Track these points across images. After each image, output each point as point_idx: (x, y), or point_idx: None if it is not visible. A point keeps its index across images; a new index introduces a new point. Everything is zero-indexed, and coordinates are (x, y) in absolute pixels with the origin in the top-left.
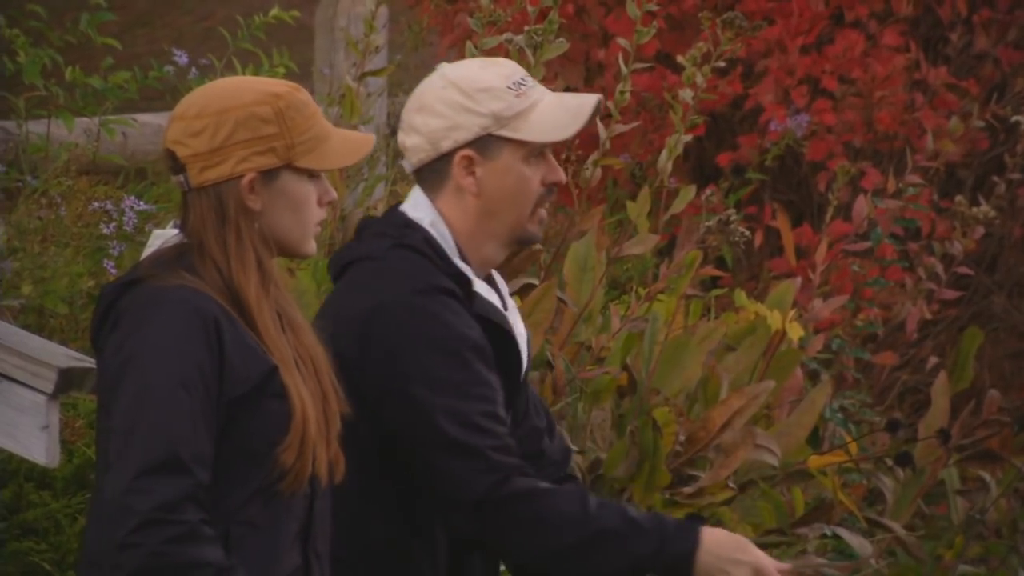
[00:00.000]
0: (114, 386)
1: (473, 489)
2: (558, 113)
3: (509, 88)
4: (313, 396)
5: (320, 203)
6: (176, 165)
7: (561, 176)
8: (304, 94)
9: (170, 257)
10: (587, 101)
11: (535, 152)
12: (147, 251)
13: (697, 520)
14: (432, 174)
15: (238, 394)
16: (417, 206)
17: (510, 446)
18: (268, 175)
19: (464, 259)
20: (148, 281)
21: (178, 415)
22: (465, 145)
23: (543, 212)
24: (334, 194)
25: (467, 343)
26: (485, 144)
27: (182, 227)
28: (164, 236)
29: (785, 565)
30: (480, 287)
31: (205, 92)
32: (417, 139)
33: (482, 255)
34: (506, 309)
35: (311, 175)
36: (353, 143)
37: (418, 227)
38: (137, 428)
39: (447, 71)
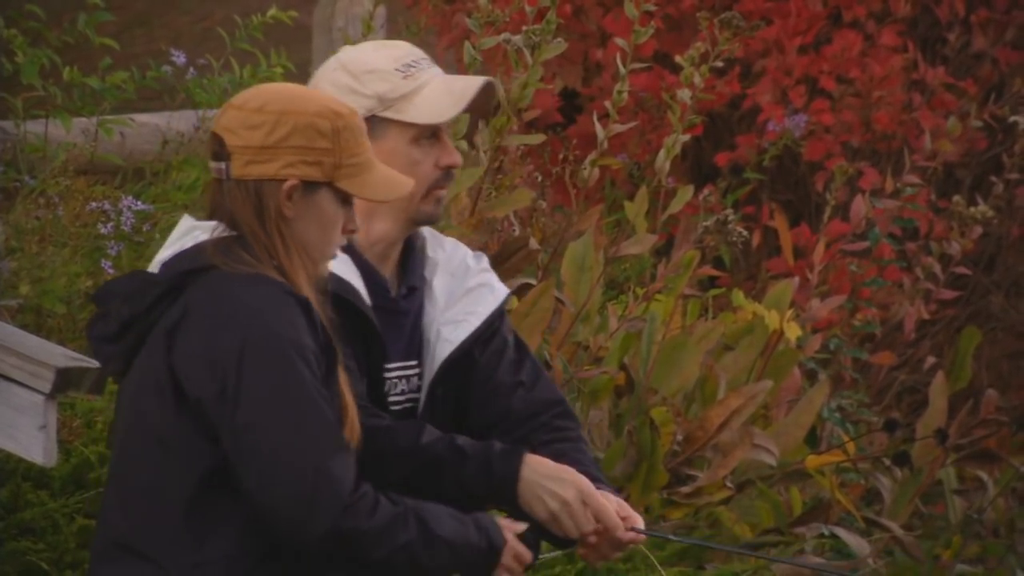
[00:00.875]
0: (238, 381)
1: None
2: (442, 95)
3: (397, 70)
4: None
5: (344, 230)
6: (221, 152)
7: (456, 159)
8: (359, 120)
9: (226, 245)
10: (473, 83)
11: (425, 134)
12: (178, 232)
13: (521, 447)
14: None
15: (323, 372)
16: None
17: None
18: (309, 187)
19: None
20: (220, 268)
21: (317, 398)
22: None
23: (441, 193)
24: (356, 225)
25: None
26: (371, 125)
27: (214, 215)
28: (203, 227)
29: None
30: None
31: (271, 89)
32: None
33: (374, 233)
34: (409, 289)
35: (345, 200)
36: (393, 182)
37: None
38: (289, 419)
39: (341, 54)
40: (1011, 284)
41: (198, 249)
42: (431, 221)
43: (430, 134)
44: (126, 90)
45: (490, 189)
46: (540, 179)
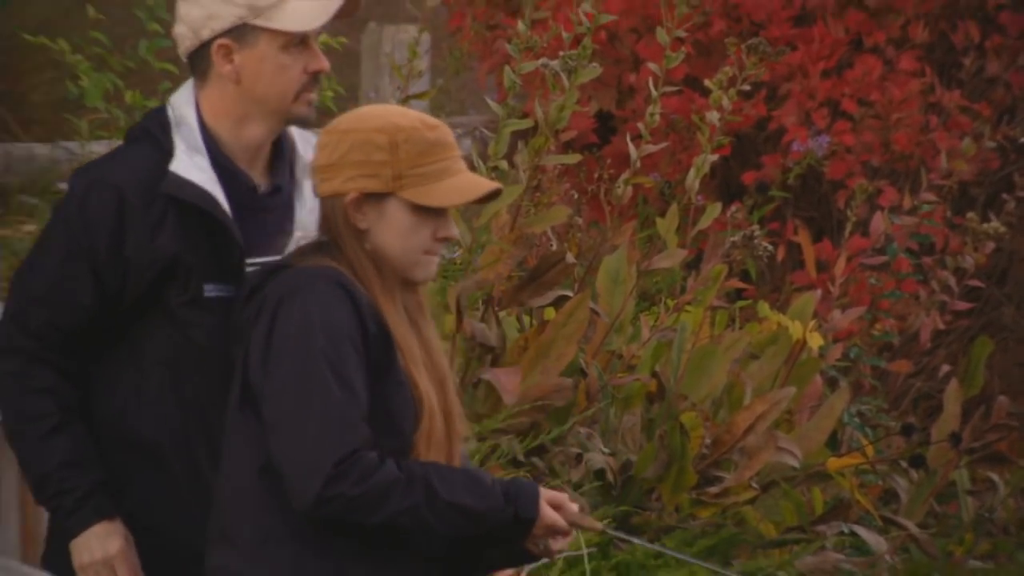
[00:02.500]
0: (273, 357)
1: None
2: (310, 4)
3: None
4: (440, 408)
5: (434, 236)
6: (312, 173)
7: (323, 64)
8: (435, 134)
9: (309, 248)
10: None
11: (294, 41)
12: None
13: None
14: (199, 61)
15: (375, 357)
16: (181, 91)
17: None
18: (376, 198)
19: (212, 139)
20: (294, 266)
21: (350, 378)
22: (223, 34)
23: (311, 96)
24: (452, 231)
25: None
26: (241, 33)
27: (319, 226)
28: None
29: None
30: (186, 165)
31: (348, 113)
32: (182, 28)
33: (245, 136)
34: (275, 188)
35: (417, 207)
36: (465, 188)
37: (160, 111)
38: (308, 397)
39: None
40: (1022, 297)
41: (289, 253)
42: (303, 122)
43: (299, 41)
44: None
45: (529, 206)
46: (576, 197)
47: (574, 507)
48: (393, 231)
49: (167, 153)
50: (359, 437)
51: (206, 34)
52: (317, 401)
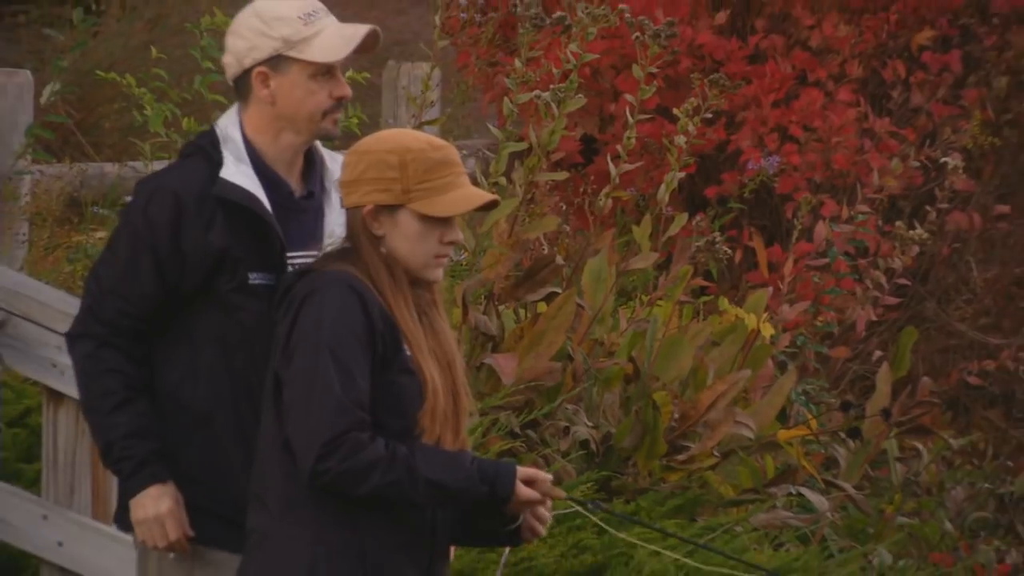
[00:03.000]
0: (293, 347)
1: None
2: (335, 39)
3: (299, 18)
4: (445, 388)
5: (440, 241)
6: (339, 188)
7: (345, 91)
8: (440, 154)
9: (334, 254)
10: (360, 31)
11: (321, 71)
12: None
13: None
14: (242, 86)
15: (382, 352)
16: (227, 114)
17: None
18: (389, 209)
19: (255, 151)
20: (318, 270)
21: (350, 369)
22: (262, 63)
23: (336, 116)
24: (456, 236)
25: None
26: (277, 62)
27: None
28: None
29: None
30: (233, 172)
31: (368, 136)
32: (229, 57)
33: (283, 146)
34: (309, 193)
35: (424, 217)
36: (464, 200)
37: (210, 131)
38: (313, 383)
39: (255, 3)
40: (942, 293)
41: (317, 257)
42: (329, 137)
43: (325, 71)
44: None
45: (524, 216)
46: (564, 208)
47: (548, 478)
48: (404, 237)
49: (217, 164)
50: (352, 420)
51: (248, 62)
52: (319, 389)
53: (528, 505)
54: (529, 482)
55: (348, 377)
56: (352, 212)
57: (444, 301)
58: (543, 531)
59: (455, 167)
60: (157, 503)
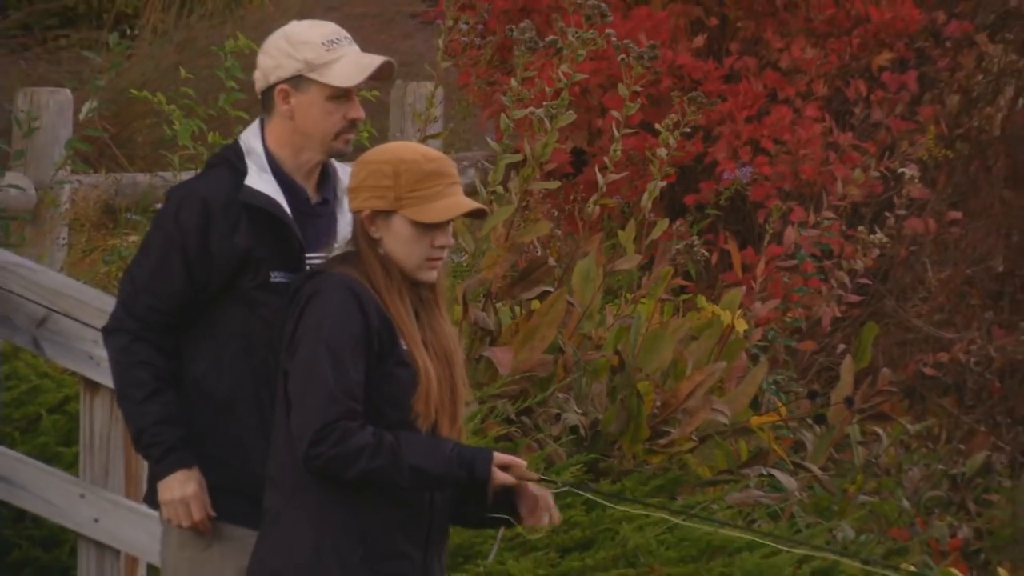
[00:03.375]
0: (296, 343)
1: None
2: (352, 67)
3: (322, 44)
4: (441, 378)
5: (432, 245)
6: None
7: (359, 114)
8: (433, 165)
9: (339, 256)
10: (374, 61)
11: (338, 93)
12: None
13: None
14: (267, 100)
15: (378, 348)
16: (249, 129)
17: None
18: (384, 214)
19: (275, 161)
20: (323, 272)
21: (345, 362)
22: (284, 80)
23: (350, 136)
24: (447, 241)
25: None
26: (298, 82)
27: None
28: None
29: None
30: (256, 181)
31: (374, 148)
32: (257, 73)
33: (301, 158)
34: (324, 200)
35: (416, 222)
36: (449, 208)
37: (234, 144)
38: (310, 376)
39: (287, 26)
40: (900, 291)
41: (324, 260)
42: (342, 154)
43: (342, 94)
44: None
45: (519, 221)
46: (556, 214)
47: (522, 464)
48: (398, 241)
49: (241, 174)
50: (342, 409)
51: (272, 79)
52: (315, 380)
53: (501, 490)
54: (505, 467)
55: (341, 370)
56: (355, 216)
57: (447, 299)
58: (548, 521)
59: (446, 178)
60: (183, 486)
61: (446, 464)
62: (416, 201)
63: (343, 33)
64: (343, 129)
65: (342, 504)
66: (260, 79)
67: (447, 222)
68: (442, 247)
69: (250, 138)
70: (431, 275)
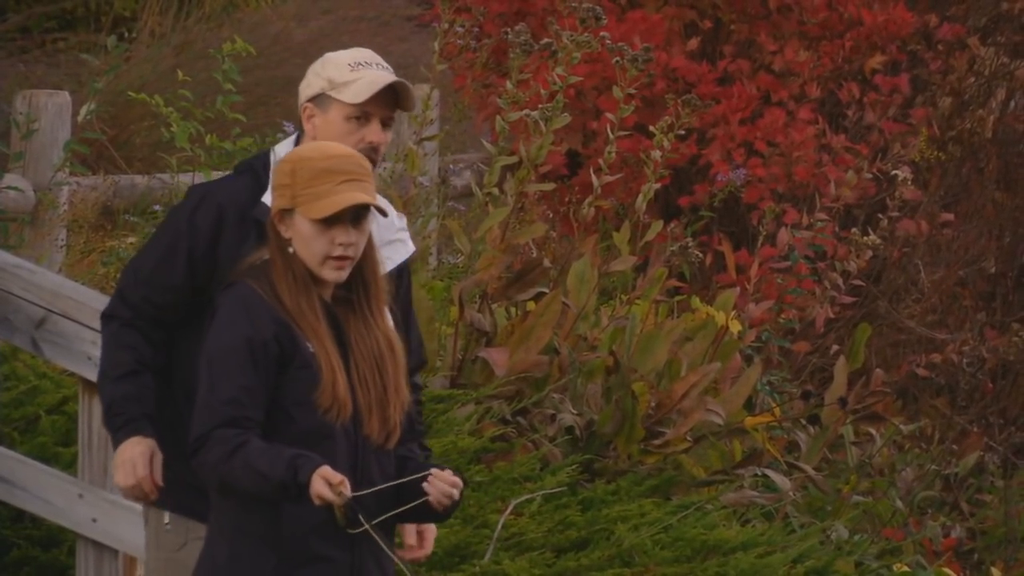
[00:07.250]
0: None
1: None
2: (364, 86)
3: (348, 65)
4: (366, 379)
5: (332, 242)
6: None
7: (377, 138)
8: (328, 163)
9: (254, 260)
10: (385, 79)
11: (355, 114)
12: None
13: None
14: (301, 118)
15: (277, 352)
16: (285, 142)
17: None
18: (288, 212)
19: None
20: (231, 283)
21: (225, 373)
22: (311, 99)
23: (371, 157)
24: (346, 238)
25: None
26: (321, 100)
27: None
28: None
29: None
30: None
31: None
32: (300, 91)
33: None
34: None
35: (313, 220)
36: (332, 205)
37: (265, 153)
38: (203, 383)
39: (330, 52)
40: (893, 293)
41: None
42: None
43: (360, 114)
44: (251, 151)
45: (515, 223)
46: (551, 216)
47: (342, 480)
48: (300, 239)
49: (263, 187)
50: (220, 419)
51: (302, 98)
52: (201, 392)
53: (318, 498)
54: (329, 482)
55: (219, 380)
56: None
57: (442, 300)
58: (446, 499)
59: (340, 175)
60: (132, 448)
61: (279, 467)
62: (309, 198)
63: (377, 59)
64: (361, 151)
65: (256, 512)
66: (299, 97)
67: (349, 220)
68: (345, 245)
69: (281, 151)
70: (337, 275)
